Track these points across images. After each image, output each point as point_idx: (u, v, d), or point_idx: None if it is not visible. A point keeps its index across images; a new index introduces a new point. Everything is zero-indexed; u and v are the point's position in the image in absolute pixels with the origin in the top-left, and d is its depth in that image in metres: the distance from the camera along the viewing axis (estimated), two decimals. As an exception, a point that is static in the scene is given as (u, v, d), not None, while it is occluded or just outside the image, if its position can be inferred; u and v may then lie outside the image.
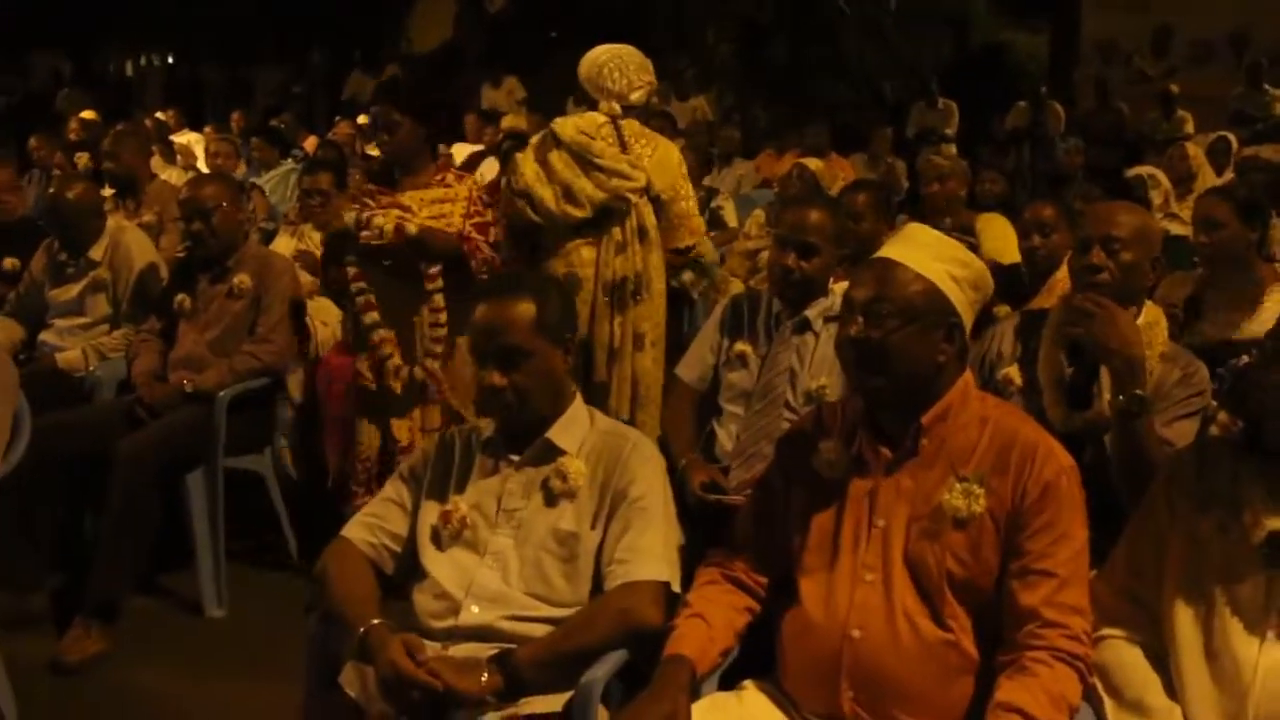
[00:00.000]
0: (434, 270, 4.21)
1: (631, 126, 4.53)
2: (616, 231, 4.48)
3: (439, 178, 4.38)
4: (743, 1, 17.55)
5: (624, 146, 4.47)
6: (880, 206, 5.18)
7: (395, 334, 4.33)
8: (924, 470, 2.31)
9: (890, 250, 2.40)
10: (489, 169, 9.24)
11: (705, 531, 2.98)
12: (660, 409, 4.49)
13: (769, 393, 3.61)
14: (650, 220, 4.54)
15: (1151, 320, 3.11)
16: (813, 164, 6.51)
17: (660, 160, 4.52)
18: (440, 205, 4.27)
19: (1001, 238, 5.52)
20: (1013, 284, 4.43)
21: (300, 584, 4.53)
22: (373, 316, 4.32)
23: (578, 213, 4.42)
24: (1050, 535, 2.20)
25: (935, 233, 2.50)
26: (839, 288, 3.60)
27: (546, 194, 4.44)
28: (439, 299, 4.23)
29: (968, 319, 2.38)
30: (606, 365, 4.49)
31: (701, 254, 4.99)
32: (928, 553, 2.26)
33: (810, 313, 3.64)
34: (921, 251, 2.36)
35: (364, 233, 4.17)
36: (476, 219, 4.28)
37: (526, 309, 2.58)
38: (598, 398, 4.30)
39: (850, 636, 2.26)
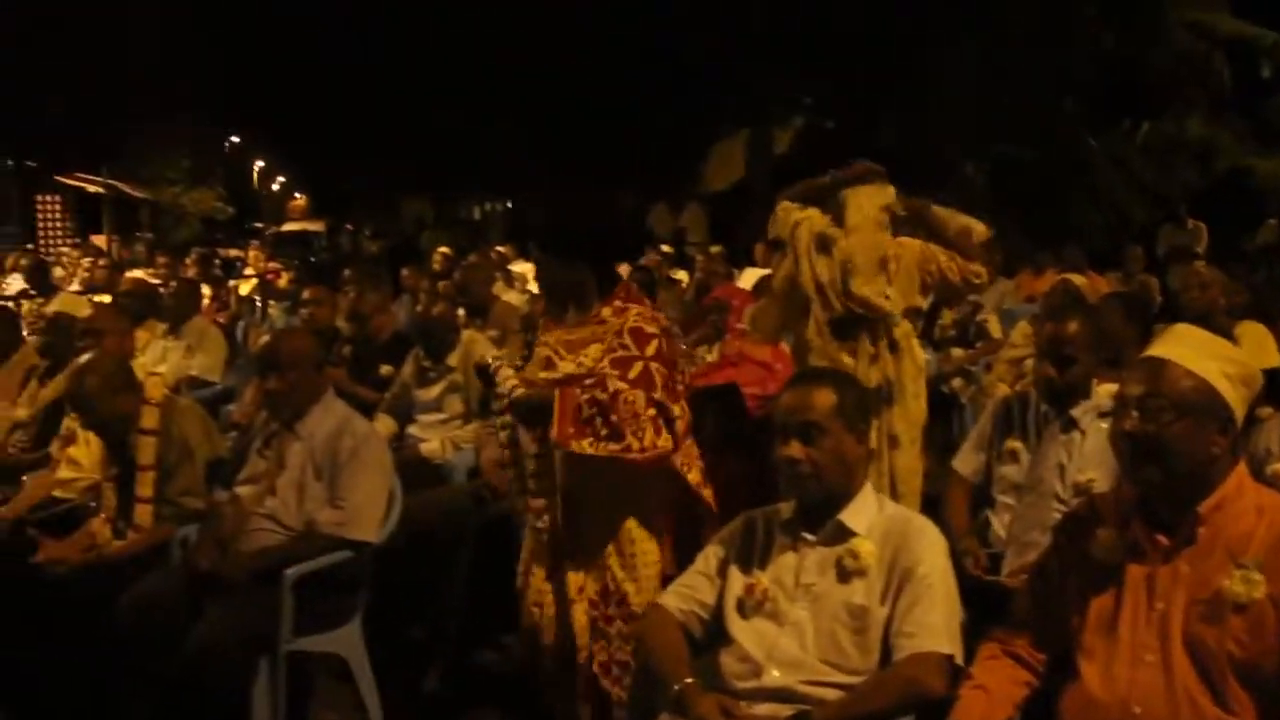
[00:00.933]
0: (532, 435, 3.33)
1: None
2: (867, 344, 4.43)
3: (594, 314, 3.36)
4: (999, 139, 17.24)
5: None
6: (1134, 314, 4.90)
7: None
8: (1202, 557, 2.13)
9: (1161, 349, 2.25)
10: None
11: (980, 611, 2.85)
12: (919, 503, 4.38)
13: (1038, 485, 3.45)
14: (900, 332, 4.48)
15: None
16: (1076, 279, 6.24)
17: (907, 270, 4.48)
18: (581, 346, 3.32)
19: (1260, 344, 5.14)
20: (1274, 387, 4.09)
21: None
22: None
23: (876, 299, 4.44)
24: (1336, 621, 1.99)
25: (1204, 332, 2.33)
26: (1102, 389, 3.44)
27: (804, 270, 4.48)
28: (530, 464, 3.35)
29: (1239, 414, 2.20)
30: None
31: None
32: (1208, 636, 2.07)
33: (1075, 411, 3.48)
34: (1192, 350, 2.21)
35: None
36: (619, 353, 3.22)
37: (828, 395, 2.57)
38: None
39: (1132, 713, 2.10)
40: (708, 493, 3.44)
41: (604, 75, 21.22)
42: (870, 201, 4.48)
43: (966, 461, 3.72)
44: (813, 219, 4.62)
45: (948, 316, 7.34)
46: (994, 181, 17.20)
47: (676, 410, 3.22)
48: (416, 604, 4.51)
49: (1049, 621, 2.35)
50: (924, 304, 4.69)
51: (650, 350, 3.24)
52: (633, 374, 3.19)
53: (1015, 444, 3.56)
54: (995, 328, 7.20)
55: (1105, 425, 3.28)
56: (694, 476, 3.42)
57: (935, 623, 2.42)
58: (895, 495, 4.35)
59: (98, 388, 4.01)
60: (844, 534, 2.57)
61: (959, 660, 2.42)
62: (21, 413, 5.16)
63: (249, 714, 3.47)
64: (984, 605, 2.97)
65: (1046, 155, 16.68)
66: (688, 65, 20.27)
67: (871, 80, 17.92)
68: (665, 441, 3.18)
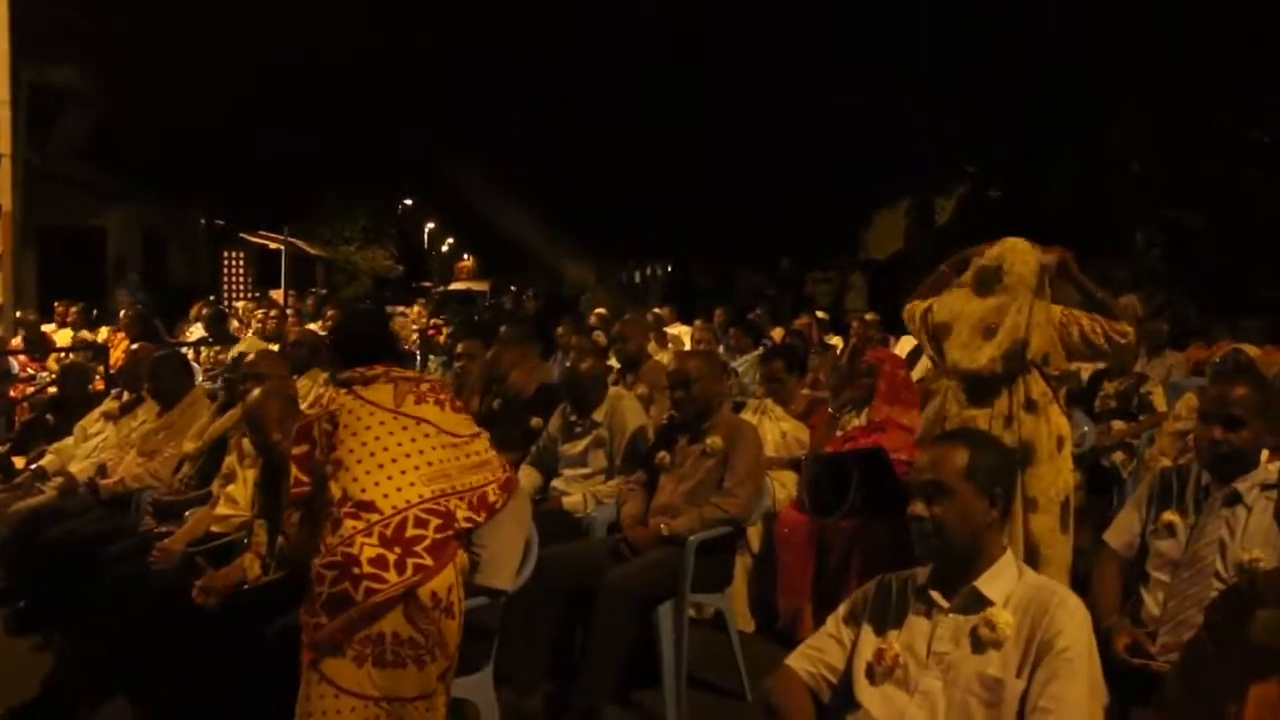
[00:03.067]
0: None
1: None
2: (1003, 404, 4.31)
3: None
4: (1172, 207, 16.61)
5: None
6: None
7: None
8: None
9: None
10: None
11: (1127, 694, 2.69)
12: (1067, 569, 4.24)
13: (1197, 562, 3.26)
14: (1037, 390, 4.35)
15: None
16: (1250, 350, 5.93)
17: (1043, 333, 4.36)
18: None
19: None
20: None
21: (749, 710, 4.47)
22: None
23: (968, 363, 4.34)
24: None
25: None
26: (1274, 466, 3.24)
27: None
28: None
29: None
30: None
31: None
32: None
33: (1241, 485, 3.28)
34: None
35: None
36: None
37: (960, 455, 2.51)
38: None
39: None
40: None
41: (766, 143, 21.34)
42: (1022, 261, 4.38)
43: (1119, 534, 3.52)
44: (915, 306, 4.61)
45: (1109, 387, 7.04)
46: (1167, 251, 16.55)
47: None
48: (548, 657, 4.49)
49: (1203, 707, 2.19)
50: (1067, 366, 4.52)
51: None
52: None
53: (1173, 517, 3.35)
54: (1160, 400, 6.88)
55: (1271, 499, 3.09)
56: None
57: (1074, 699, 2.28)
58: (1036, 559, 4.22)
59: (277, 410, 4.18)
60: (980, 602, 2.46)
61: (1100, 741, 2.28)
62: (189, 446, 5.38)
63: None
64: (1130, 688, 2.81)
65: (1224, 223, 15.99)
66: (850, 133, 20.23)
67: (1036, 146, 17.54)
68: None
